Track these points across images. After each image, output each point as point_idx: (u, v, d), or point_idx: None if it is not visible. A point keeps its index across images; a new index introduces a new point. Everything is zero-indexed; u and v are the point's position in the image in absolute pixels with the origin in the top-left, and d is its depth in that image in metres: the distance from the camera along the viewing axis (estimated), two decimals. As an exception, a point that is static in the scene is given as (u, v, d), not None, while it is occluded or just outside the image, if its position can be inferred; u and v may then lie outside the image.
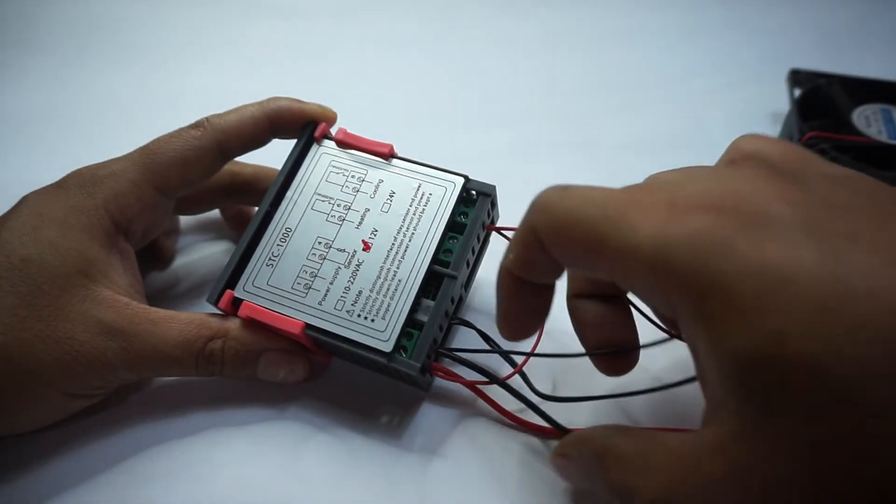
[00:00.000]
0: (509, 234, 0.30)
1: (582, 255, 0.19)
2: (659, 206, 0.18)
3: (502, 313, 0.24)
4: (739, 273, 0.16)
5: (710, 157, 0.41)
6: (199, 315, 0.27)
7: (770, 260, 0.16)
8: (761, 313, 0.15)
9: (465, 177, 0.29)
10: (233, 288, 0.28)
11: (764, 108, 0.43)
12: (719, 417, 0.17)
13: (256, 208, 0.29)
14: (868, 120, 0.39)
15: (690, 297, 0.17)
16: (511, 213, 0.31)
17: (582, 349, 0.30)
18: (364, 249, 0.28)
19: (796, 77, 0.42)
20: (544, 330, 0.29)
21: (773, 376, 0.15)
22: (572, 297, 0.26)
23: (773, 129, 0.42)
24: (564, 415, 0.28)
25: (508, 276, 0.22)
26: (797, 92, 0.40)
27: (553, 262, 0.20)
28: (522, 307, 0.23)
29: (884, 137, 0.38)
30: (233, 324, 0.27)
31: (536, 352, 0.28)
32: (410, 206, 0.28)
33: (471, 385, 0.28)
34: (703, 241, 0.17)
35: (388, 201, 0.29)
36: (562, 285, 0.30)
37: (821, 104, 0.40)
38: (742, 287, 0.16)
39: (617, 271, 0.18)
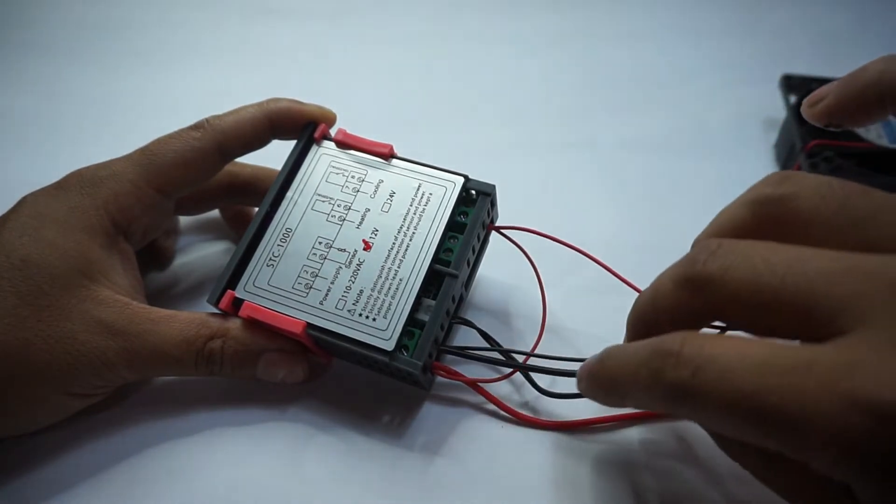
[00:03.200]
0: (509, 233, 0.30)
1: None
2: (834, 397, 0.15)
3: None
4: None
5: (709, 158, 0.41)
6: (200, 315, 0.27)
7: None
8: None
9: (465, 176, 0.29)
10: (233, 288, 0.28)
11: (762, 110, 0.43)
12: None
13: (256, 209, 0.30)
14: (866, 124, 0.39)
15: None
16: (511, 212, 0.31)
17: (581, 350, 0.30)
18: (365, 249, 0.28)
19: (789, 82, 0.42)
20: (545, 328, 0.29)
21: None
22: None
23: (770, 132, 0.42)
24: (564, 411, 0.28)
25: None
26: (792, 98, 0.40)
27: None
28: None
29: (885, 142, 0.38)
30: (233, 324, 0.27)
31: (537, 351, 0.28)
32: (411, 205, 0.29)
33: (472, 383, 0.28)
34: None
35: (389, 201, 0.29)
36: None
37: (816, 109, 0.40)
38: None
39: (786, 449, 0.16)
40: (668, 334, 0.18)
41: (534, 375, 0.28)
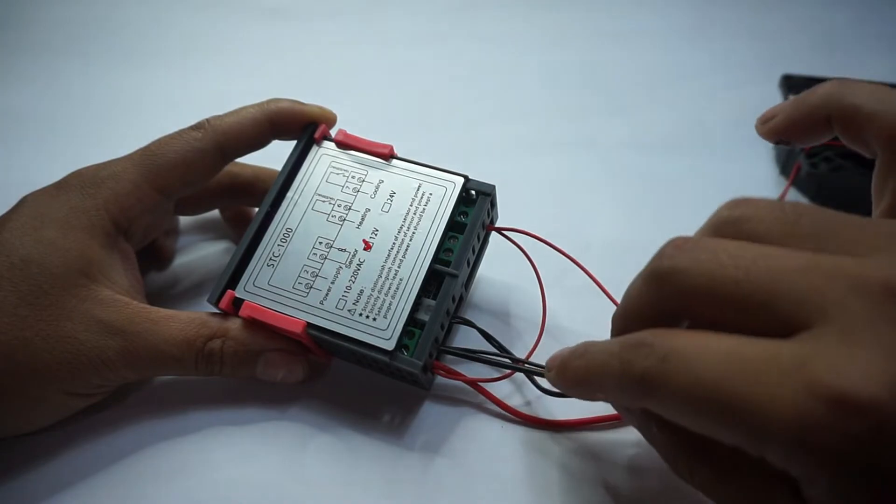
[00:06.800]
0: (509, 234, 0.30)
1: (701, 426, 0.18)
2: (794, 386, 0.15)
3: None
4: None
5: (708, 157, 0.41)
6: (200, 314, 0.27)
7: None
8: None
9: (465, 177, 0.29)
10: (233, 288, 0.28)
11: (762, 110, 0.43)
12: None
13: (256, 209, 0.30)
14: (866, 123, 0.39)
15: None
16: (511, 212, 0.31)
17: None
18: (365, 249, 0.28)
19: (789, 82, 0.42)
20: (545, 328, 0.29)
21: None
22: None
23: (770, 131, 0.42)
24: (564, 410, 0.28)
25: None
26: (792, 98, 0.40)
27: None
28: None
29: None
30: (233, 323, 0.27)
31: (537, 352, 0.28)
32: (411, 205, 0.29)
33: (473, 382, 0.28)
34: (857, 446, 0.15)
35: (389, 201, 0.29)
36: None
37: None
38: None
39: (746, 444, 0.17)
40: (639, 331, 0.19)
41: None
